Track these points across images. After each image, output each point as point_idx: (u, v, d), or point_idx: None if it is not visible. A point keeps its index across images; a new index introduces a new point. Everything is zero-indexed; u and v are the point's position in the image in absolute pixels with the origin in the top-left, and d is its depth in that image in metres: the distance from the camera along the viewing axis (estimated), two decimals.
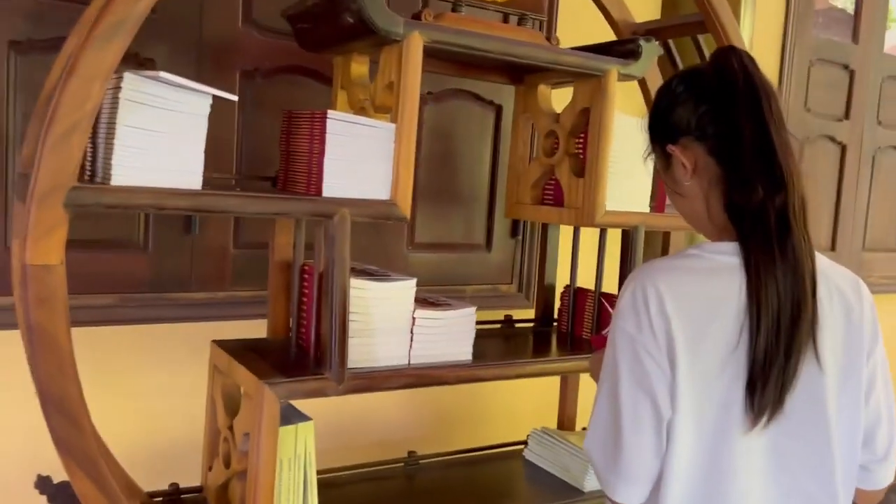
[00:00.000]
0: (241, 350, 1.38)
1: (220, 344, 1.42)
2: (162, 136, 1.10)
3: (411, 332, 1.36)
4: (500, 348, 1.63)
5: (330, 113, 1.23)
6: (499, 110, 2.11)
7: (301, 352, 1.39)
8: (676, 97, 1.03)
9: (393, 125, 1.28)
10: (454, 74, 1.68)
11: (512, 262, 2.20)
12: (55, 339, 1.04)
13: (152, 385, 1.72)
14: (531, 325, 1.83)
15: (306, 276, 1.38)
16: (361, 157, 1.26)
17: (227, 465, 1.34)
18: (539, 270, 1.85)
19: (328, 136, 1.23)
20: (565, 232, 1.81)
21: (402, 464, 1.72)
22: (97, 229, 1.63)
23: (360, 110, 1.41)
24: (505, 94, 2.11)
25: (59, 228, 1.03)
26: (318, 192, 1.24)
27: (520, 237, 2.19)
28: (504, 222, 2.15)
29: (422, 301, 1.45)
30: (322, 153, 1.23)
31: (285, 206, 1.20)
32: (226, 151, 1.75)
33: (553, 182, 1.67)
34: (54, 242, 1.03)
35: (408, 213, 1.31)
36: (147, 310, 1.70)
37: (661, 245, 2.22)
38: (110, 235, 1.65)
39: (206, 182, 1.16)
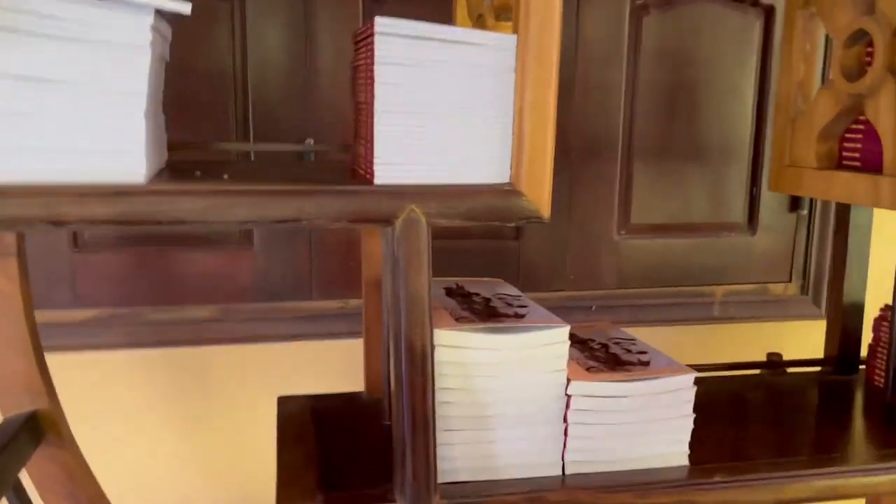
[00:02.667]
0: (300, 418, 0.89)
1: (283, 403, 0.94)
2: (65, 88, 0.61)
3: (565, 420, 0.75)
4: (750, 429, 0.94)
5: (379, 22, 0.64)
6: (768, 14, 1.34)
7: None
8: None
9: (511, 38, 0.66)
10: None
11: (791, 248, 1.43)
12: None
13: (249, 426, 1.30)
14: (817, 369, 1.10)
15: None
16: (450, 107, 0.67)
17: None
18: (834, 277, 1.09)
19: (379, 70, 0.65)
20: (883, 215, 1.03)
21: None
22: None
23: (477, 21, 0.80)
24: None
25: None
26: (370, 175, 0.67)
27: (804, 212, 1.42)
28: None
29: (596, 351, 0.82)
30: (371, 103, 0.66)
31: (297, 209, 0.64)
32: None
33: (861, 127, 0.91)
34: None
35: (545, 206, 0.69)
36: (255, 324, 1.28)
37: None
38: (203, 229, 1.24)
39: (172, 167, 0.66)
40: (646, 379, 0.75)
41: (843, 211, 1.07)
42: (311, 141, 1.23)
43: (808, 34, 0.97)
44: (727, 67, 1.35)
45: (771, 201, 1.40)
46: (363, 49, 0.71)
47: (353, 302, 1.30)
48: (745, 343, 1.40)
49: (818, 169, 0.94)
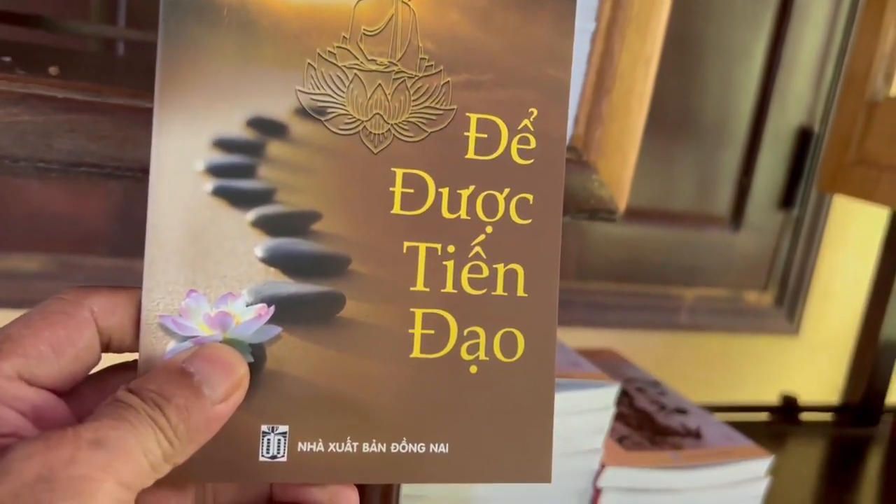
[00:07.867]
0: None
1: None
2: None
3: None
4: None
5: None
6: None
7: None
8: None
9: None
10: None
11: (773, 252, 1.23)
12: None
13: None
14: (829, 415, 0.89)
15: None
16: None
17: None
18: (873, 308, 0.89)
19: None
20: None
21: None
22: None
23: None
24: None
25: None
26: None
27: (794, 211, 1.21)
28: (768, 183, 1.18)
29: (620, 405, 0.56)
30: None
31: None
32: None
33: None
34: None
35: (623, 193, 0.41)
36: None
37: None
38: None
39: None
40: (707, 465, 0.50)
41: None
42: None
43: None
44: (735, 24, 1.11)
45: (760, 194, 1.19)
46: None
47: None
48: (711, 358, 1.20)
49: None
